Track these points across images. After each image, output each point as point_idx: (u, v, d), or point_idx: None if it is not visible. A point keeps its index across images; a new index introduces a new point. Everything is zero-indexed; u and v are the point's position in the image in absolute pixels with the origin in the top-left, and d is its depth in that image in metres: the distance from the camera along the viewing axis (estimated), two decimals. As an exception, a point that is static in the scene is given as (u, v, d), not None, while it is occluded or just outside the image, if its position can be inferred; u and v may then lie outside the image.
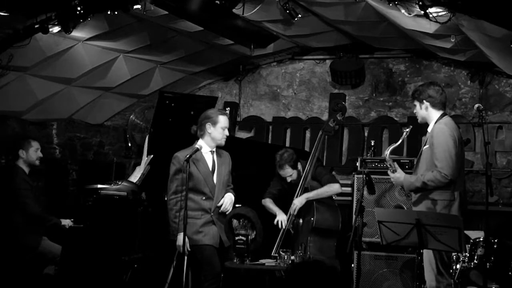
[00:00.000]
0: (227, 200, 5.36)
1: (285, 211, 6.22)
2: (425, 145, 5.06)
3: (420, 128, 5.64)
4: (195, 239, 5.19)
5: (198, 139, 5.39)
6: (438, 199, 4.86)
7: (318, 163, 6.46)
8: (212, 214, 5.29)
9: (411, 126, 5.21)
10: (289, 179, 6.24)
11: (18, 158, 6.32)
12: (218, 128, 5.31)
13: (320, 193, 6.18)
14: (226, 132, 5.36)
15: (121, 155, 8.87)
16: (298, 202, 6.10)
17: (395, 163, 5.15)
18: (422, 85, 5.23)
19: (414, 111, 5.21)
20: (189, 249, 5.14)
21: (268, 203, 6.36)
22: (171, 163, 5.28)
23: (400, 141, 5.12)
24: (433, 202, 4.87)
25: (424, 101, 5.07)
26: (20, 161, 6.33)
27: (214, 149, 5.39)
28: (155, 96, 8.06)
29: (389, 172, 5.15)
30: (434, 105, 5.06)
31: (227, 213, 5.43)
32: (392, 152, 5.10)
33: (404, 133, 5.12)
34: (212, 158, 5.37)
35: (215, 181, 5.34)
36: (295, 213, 6.13)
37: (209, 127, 5.31)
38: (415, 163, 5.25)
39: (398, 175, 5.09)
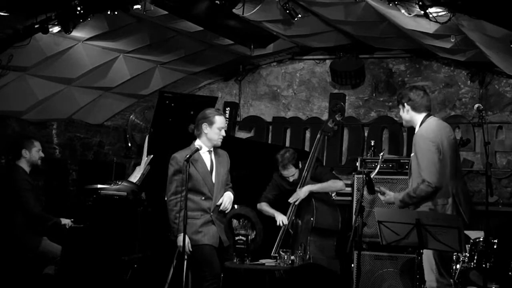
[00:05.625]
0: (226, 199, 5.35)
1: (285, 213, 6.22)
2: (412, 152, 5.04)
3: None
4: (195, 239, 5.18)
5: (195, 138, 5.39)
6: (431, 207, 4.84)
7: (317, 163, 6.47)
8: (211, 214, 5.28)
9: (385, 149, 5.25)
10: (291, 179, 6.25)
11: (20, 157, 6.32)
12: (214, 129, 5.30)
13: (324, 187, 6.18)
14: (223, 133, 5.34)
15: (121, 155, 8.87)
16: (302, 193, 6.08)
17: (380, 187, 5.18)
18: (404, 89, 5.23)
19: (400, 114, 5.20)
20: (190, 250, 5.14)
21: (264, 206, 6.37)
22: (169, 164, 5.28)
23: (379, 167, 5.21)
24: (427, 210, 4.85)
25: (405, 104, 5.04)
26: (23, 160, 6.33)
27: (212, 149, 5.39)
28: (155, 96, 8.07)
29: (379, 195, 5.19)
30: (415, 108, 5.01)
31: (226, 212, 5.43)
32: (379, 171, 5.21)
33: (380, 157, 5.17)
34: (210, 158, 5.36)
35: (213, 180, 5.33)
36: (297, 203, 6.11)
37: (205, 128, 5.30)
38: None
39: (388, 197, 5.10)
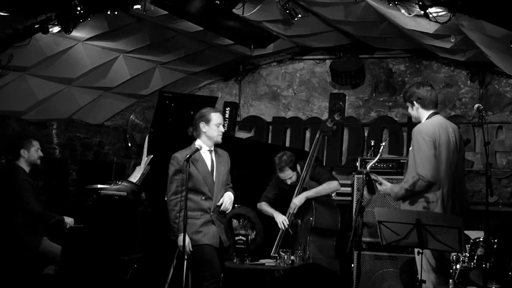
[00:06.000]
0: (227, 199, 5.35)
1: (284, 213, 6.21)
2: (410, 146, 5.06)
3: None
4: (195, 239, 5.19)
5: (195, 139, 5.39)
6: (419, 201, 4.86)
7: (317, 162, 6.46)
8: (211, 213, 5.29)
9: (387, 139, 5.23)
10: (289, 182, 6.24)
11: (19, 157, 6.32)
12: (212, 126, 5.30)
13: (319, 191, 6.18)
14: (221, 129, 5.34)
15: (121, 155, 8.87)
16: (297, 201, 6.10)
17: (379, 176, 5.18)
18: (411, 86, 5.21)
19: (408, 111, 5.22)
20: (191, 250, 5.14)
21: (264, 206, 6.36)
22: (170, 164, 5.28)
23: (379, 156, 5.19)
24: (416, 204, 4.87)
25: (414, 102, 5.06)
26: (22, 160, 6.33)
27: (212, 148, 5.39)
28: (155, 96, 8.07)
29: (377, 185, 5.19)
30: (424, 106, 5.05)
31: (227, 212, 5.43)
32: (372, 168, 5.15)
33: (382, 147, 5.17)
34: (211, 158, 5.37)
35: (214, 180, 5.34)
36: (295, 211, 6.13)
37: (203, 126, 5.30)
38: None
39: (385, 188, 5.11)
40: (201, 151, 5.30)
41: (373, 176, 5.13)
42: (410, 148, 5.00)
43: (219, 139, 5.34)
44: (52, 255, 6.21)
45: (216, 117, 5.32)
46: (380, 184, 5.14)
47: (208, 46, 8.00)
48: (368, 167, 5.15)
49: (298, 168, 6.26)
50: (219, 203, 5.32)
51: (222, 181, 5.39)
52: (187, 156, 5.10)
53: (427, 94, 5.04)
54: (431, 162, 4.81)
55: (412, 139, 4.95)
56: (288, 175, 6.20)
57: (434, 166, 4.81)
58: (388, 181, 5.26)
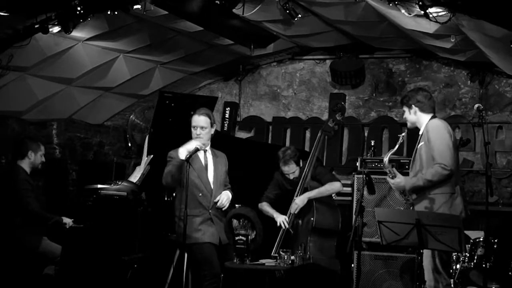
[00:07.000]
0: (224, 197, 5.41)
1: (285, 213, 6.21)
2: (419, 143, 5.06)
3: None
4: (195, 237, 5.22)
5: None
6: (439, 194, 4.86)
7: (317, 162, 6.46)
8: (210, 211, 5.33)
9: (406, 130, 5.25)
10: (291, 176, 6.23)
11: (24, 158, 6.29)
12: (192, 128, 5.37)
13: (321, 191, 6.18)
14: (197, 131, 5.36)
15: (121, 155, 8.87)
16: (300, 201, 6.09)
17: (394, 168, 5.15)
18: (410, 91, 5.30)
19: (404, 116, 5.23)
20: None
21: (265, 206, 6.35)
22: (167, 163, 5.33)
23: (397, 146, 5.14)
24: (435, 197, 4.87)
25: (413, 106, 5.10)
26: (26, 161, 6.30)
27: (207, 148, 5.46)
28: (155, 96, 8.07)
29: (388, 178, 5.11)
30: (423, 110, 5.09)
31: (223, 209, 5.46)
32: (391, 158, 5.11)
33: (401, 138, 5.15)
34: (204, 156, 5.44)
35: (210, 178, 5.39)
36: (296, 212, 6.12)
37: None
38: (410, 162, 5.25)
39: (399, 180, 5.03)
40: (196, 151, 5.37)
41: (389, 168, 5.09)
42: (422, 143, 5.00)
43: (198, 141, 5.36)
44: (52, 255, 6.20)
45: (192, 120, 5.39)
46: (394, 177, 5.09)
47: (208, 46, 8.00)
48: (387, 158, 5.08)
49: (301, 163, 6.26)
50: (215, 200, 5.35)
51: (220, 180, 5.45)
52: (187, 156, 5.13)
53: (426, 99, 5.11)
54: (452, 153, 4.88)
55: (430, 132, 4.96)
56: (292, 169, 6.19)
57: (454, 157, 4.89)
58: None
